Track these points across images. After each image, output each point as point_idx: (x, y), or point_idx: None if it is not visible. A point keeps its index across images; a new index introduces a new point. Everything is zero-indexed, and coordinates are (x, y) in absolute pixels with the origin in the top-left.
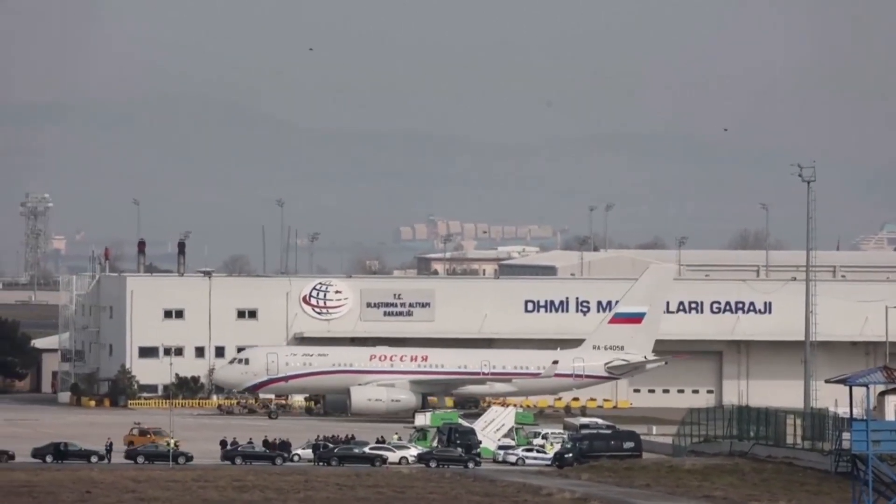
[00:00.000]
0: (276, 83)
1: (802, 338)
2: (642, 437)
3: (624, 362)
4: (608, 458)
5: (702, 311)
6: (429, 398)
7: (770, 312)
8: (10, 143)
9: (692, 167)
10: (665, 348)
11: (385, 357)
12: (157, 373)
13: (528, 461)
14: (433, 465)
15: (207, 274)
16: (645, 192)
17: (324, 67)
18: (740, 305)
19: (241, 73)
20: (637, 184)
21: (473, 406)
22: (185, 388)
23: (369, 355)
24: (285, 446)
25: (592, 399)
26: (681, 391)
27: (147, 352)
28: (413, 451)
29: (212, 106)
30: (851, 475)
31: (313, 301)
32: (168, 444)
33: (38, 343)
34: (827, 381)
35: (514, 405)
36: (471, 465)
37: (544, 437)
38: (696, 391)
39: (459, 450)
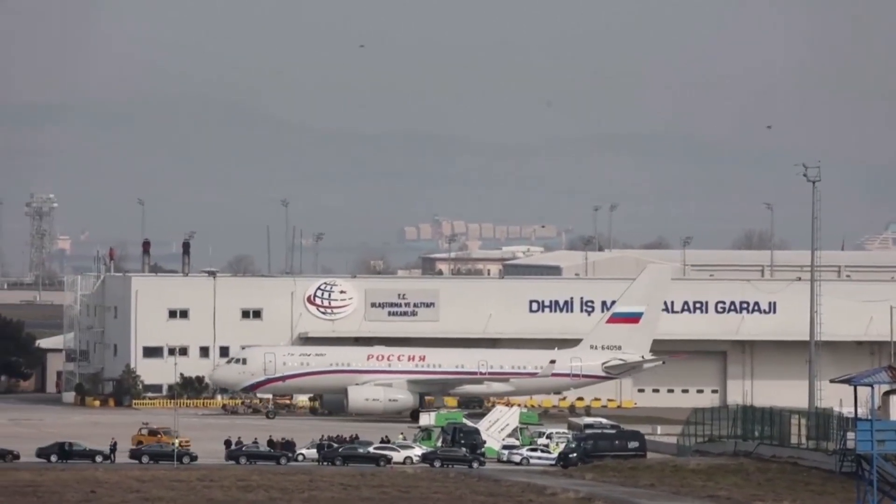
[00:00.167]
0: (276, 83)
1: (807, 338)
2: (647, 437)
3: (621, 362)
4: (612, 457)
5: (706, 311)
6: (426, 398)
7: (774, 312)
8: (12, 143)
9: (692, 167)
10: (669, 348)
11: (382, 357)
12: (162, 373)
13: (532, 461)
14: (437, 464)
15: (212, 274)
16: (645, 192)
17: (324, 67)
18: (745, 305)
19: (241, 73)
20: (637, 184)
21: (478, 406)
22: (190, 387)
23: (367, 355)
24: (290, 446)
25: (597, 399)
26: (685, 391)
27: (151, 352)
28: (417, 451)
29: (212, 106)
30: (856, 475)
31: (318, 301)
32: (173, 444)
33: (43, 343)
34: (831, 381)
35: (519, 405)
36: (475, 464)
37: (548, 436)
38: (700, 391)
39: (464, 449)
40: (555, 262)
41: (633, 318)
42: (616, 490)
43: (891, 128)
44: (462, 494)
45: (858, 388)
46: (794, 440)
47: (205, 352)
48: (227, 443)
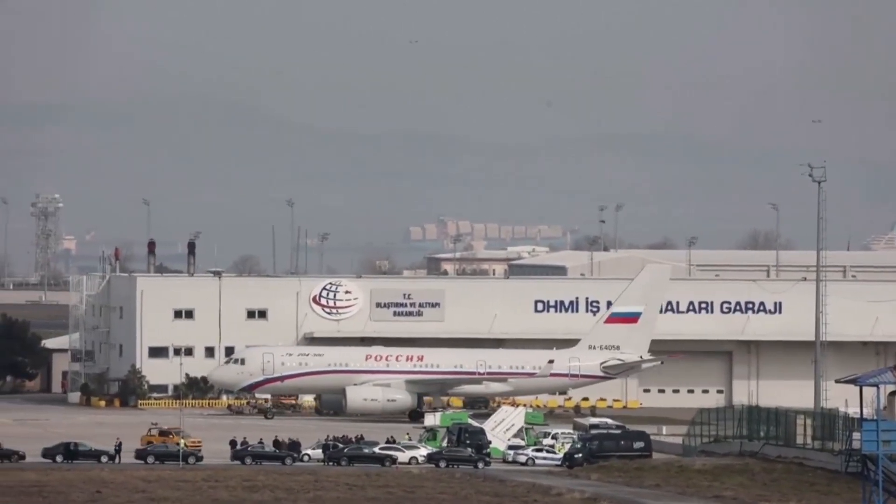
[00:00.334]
0: (276, 83)
1: (813, 338)
2: (652, 438)
3: (620, 362)
4: (618, 458)
5: (712, 311)
6: (425, 398)
7: (780, 312)
8: (12, 143)
9: (692, 167)
10: (675, 348)
11: (381, 357)
12: (167, 373)
13: (537, 461)
14: (443, 465)
15: (217, 274)
16: (646, 192)
17: (324, 67)
18: (750, 305)
19: (241, 73)
20: (638, 184)
21: (483, 406)
22: (195, 388)
23: (365, 355)
24: (295, 446)
25: (602, 399)
26: (691, 391)
27: (157, 352)
28: (423, 451)
29: (212, 106)
30: (862, 475)
31: (323, 301)
32: (178, 444)
33: (49, 343)
34: (837, 382)
35: (524, 405)
36: (480, 465)
37: (554, 437)
38: (706, 391)
39: (469, 450)
40: (560, 262)
41: (632, 318)
42: (621, 490)
43: (891, 128)
44: (467, 495)
45: (864, 388)
46: (799, 440)
47: (210, 352)
48: (233, 443)
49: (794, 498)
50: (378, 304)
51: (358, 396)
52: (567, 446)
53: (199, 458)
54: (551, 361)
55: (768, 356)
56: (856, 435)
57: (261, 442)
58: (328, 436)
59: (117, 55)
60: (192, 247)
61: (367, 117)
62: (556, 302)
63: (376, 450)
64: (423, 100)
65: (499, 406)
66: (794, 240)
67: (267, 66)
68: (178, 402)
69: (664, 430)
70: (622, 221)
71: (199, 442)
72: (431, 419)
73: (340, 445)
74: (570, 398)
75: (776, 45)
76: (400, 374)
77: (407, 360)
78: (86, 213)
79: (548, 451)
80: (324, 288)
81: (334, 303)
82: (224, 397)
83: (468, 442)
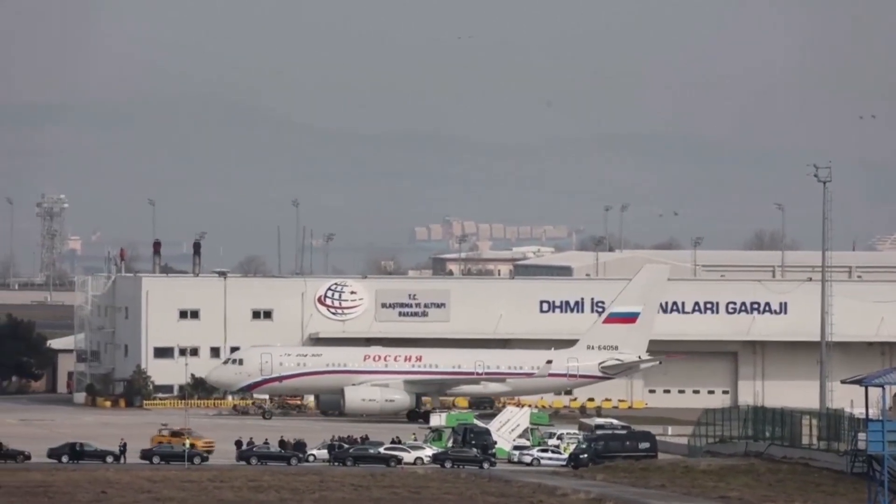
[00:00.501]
0: (276, 83)
1: (818, 338)
2: (658, 438)
3: (618, 362)
4: (623, 458)
5: (717, 312)
6: (423, 398)
7: (785, 313)
8: (14, 143)
9: (692, 167)
10: (680, 349)
11: (379, 357)
12: (173, 373)
13: (543, 462)
14: (448, 465)
15: (222, 274)
16: (646, 193)
17: (324, 67)
18: (756, 306)
19: (241, 73)
20: (638, 184)
21: (488, 406)
22: (201, 388)
23: (363, 355)
24: (301, 447)
25: (608, 399)
26: (696, 392)
27: (162, 352)
28: (428, 452)
29: (212, 106)
30: (867, 476)
31: (328, 301)
32: (185, 445)
33: (54, 343)
34: (843, 382)
35: (530, 405)
36: (486, 465)
37: (559, 437)
38: (711, 392)
39: (475, 450)
40: (565, 262)
41: (630, 318)
42: (627, 491)
43: (891, 128)
44: (473, 495)
45: (869, 388)
46: (805, 441)
47: (215, 352)
48: (238, 443)
49: (799, 498)
50: (383, 305)
51: (356, 397)
52: (572, 447)
53: (205, 459)
54: (550, 361)
55: (774, 356)
56: (861, 435)
57: (266, 442)
58: (333, 436)
59: (117, 55)
60: (197, 247)
61: (367, 117)
62: (561, 302)
63: (381, 450)
64: (423, 100)
65: (504, 406)
66: (800, 240)
67: (267, 66)
68: (183, 402)
69: (669, 430)
70: (625, 222)
71: (212, 443)
72: (437, 419)
73: (346, 446)
74: (575, 398)
75: (776, 45)
76: (398, 375)
77: (405, 360)
78: (91, 213)
79: (553, 452)
80: (329, 288)
81: (339, 303)
82: (229, 398)
83: (473, 442)
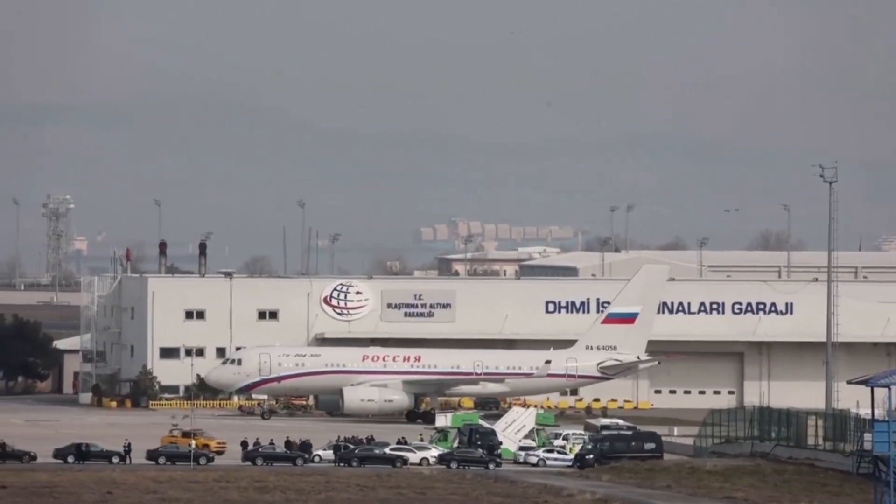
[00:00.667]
0: (276, 83)
1: (824, 339)
2: (663, 439)
3: (617, 362)
4: (629, 459)
5: (723, 312)
6: (421, 399)
7: (791, 313)
8: (14, 143)
9: (692, 167)
10: (686, 349)
11: (378, 357)
12: (179, 374)
13: (548, 462)
14: (454, 465)
15: (228, 275)
16: (647, 192)
17: (324, 67)
18: (762, 306)
19: (241, 73)
20: (639, 184)
21: (494, 407)
22: (207, 388)
23: (362, 356)
24: (306, 447)
25: (613, 400)
26: (702, 392)
27: (168, 353)
28: (434, 452)
29: (212, 106)
30: (873, 476)
31: (334, 302)
32: (190, 445)
33: (60, 344)
34: (848, 382)
35: (535, 406)
36: (491, 466)
37: (565, 438)
38: (717, 392)
39: (480, 451)
40: (571, 262)
41: (629, 318)
42: (633, 491)
43: (891, 128)
44: (478, 496)
45: (875, 389)
46: (810, 441)
47: (221, 353)
48: (244, 444)
49: (805, 499)
50: (389, 305)
51: (355, 397)
52: (578, 447)
53: (211, 459)
54: (548, 362)
55: (779, 357)
56: (867, 436)
57: (271, 443)
58: (339, 437)
59: (117, 55)
60: (203, 247)
61: (367, 117)
62: (567, 303)
63: (387, 451)
64: (423, 100)
65: (510, 407)
66: (805, 240)
67: (267, 66)
68: (189, 402)
69: (675, 431)
70: (627, 221)
71: (225, 443)
72: (442, 420)
73: (351, 446)
74: (581, 399)
75: (776, 45)
76: (397, 375)
77: (404, 360)
78: (96, 213)
79: (559, 452)
80: (335, 289)
81: (345, 303)
82: (235, 398)
83: (479, 443)
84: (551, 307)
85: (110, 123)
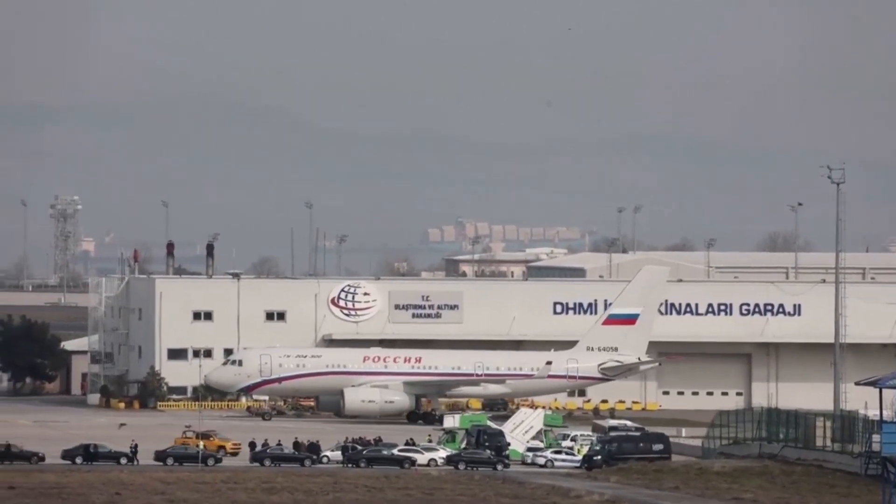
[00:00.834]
0: (276, 83)
1: (832, 340)
2: (671, 440)
3: (618, 363)
4: (637, 460)
5: (731, 314)
6: (422, 399)
7: (799, 314)
8: (15, 144)
9: (692, 167)
10: (694, 350)
11: (378, 358)
12: (187, 374)
13: (556, 463)
14: (462, 467)
15: (236, 276)
16: (647, 193)
17: (324, 67)
18: (769, 307)
19: (241, 73)
20: (639, 184)
21: (502, 408)
22: (215, 389)
23: (363, 356)
24: (315, 448)
25: (621, 401)
26: (710, 393)
27: (176, 353)
28: (442, 453)
29: (212, 106)
30: (881, 477)
31: (342, 303)
32: (198, 446)
33: (68, 345)
34: (857, 384)
35: (543, 407)
36: (499, 467)
37: (573, 439)
38: (725, 393)
39: (488, 452)
40: (579, 264)
41: (630, 319)
42: (641, 493)
43: (891, 128)
44: (486, 497)
45: (884, 390)
46: (819, 443)
47: (229, 354)
48: (252, 445)
49: (813, 500)
50: (397, 306)
51: (356, 398)
52: (586, 448)
53: (219, 460)
54: (549, 363)
55: (787, 358)
56: (875, 437)
57: (279, 444)
58: (347, 438)
59: (117, 55)
60: (210, 248)
61: (367, 117)
62: (574, 304)
63: (395, 452)
64: (423, 100)
65: (518, 408)
66: (813, 241)
67: (267, 66)
68: (197, 403)
69: (683, 432)
70: (626, 222)
71: (239, 444)
72: (451, 421)
73: (359, 447)
74: (588, 400)
75: (776, 45)
76: (398, 376)
77: (405, 361)
78: (103, 214)
79: (567, 453)
80: (342, 290)
81: (353, 305)
82: (243, 399)
83: (487, 444)
84: (559, 308)
85: (110, 123)
